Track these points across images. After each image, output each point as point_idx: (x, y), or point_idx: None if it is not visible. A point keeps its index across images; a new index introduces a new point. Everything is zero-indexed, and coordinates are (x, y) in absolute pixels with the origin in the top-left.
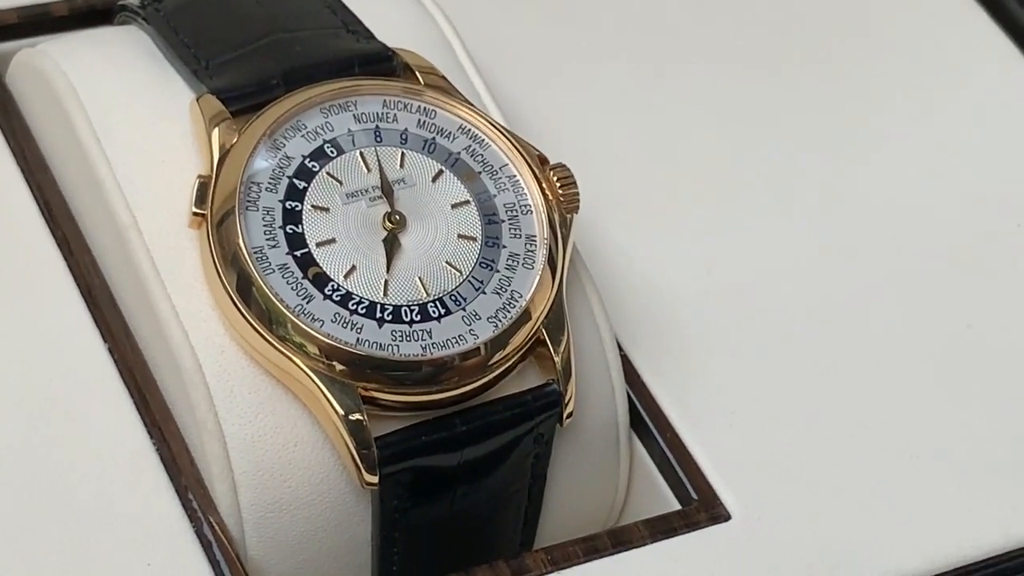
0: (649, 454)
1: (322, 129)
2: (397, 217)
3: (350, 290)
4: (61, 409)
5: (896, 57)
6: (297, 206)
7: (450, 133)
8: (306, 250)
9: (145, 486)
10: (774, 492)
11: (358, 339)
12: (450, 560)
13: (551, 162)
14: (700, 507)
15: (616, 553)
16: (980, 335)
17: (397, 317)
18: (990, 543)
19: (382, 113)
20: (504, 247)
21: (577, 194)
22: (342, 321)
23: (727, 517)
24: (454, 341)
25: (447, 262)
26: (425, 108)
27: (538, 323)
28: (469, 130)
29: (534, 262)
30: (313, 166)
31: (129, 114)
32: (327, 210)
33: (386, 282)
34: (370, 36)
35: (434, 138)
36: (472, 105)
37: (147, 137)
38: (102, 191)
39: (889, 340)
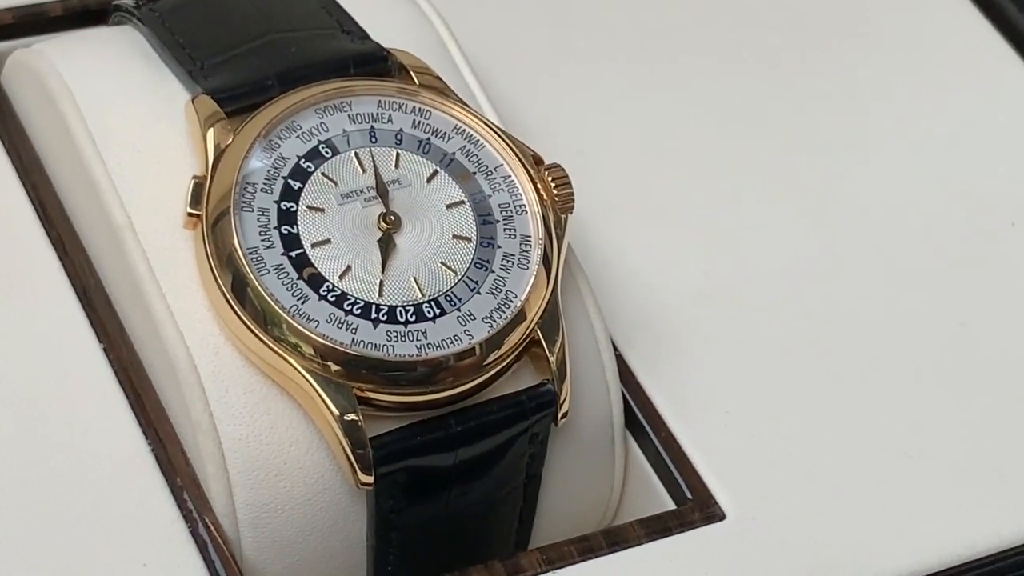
0: (644, 454)
1: (317, 130)
2: (392, 218)
3: (345, 291)
4: (56, 409)
5: (891, 57)
6: (292, 207)
7: (445, 133)
8: (301, 251)
9: (140, 486)
10: (769, 492)
11: (353, 339)
12: (445, 560)
13: (546, 162)
14: (695, 507)
15: (611, 553)
16: (974, 334)
17: (392, 317)
18: (983, 543)
19: (377, 114)
20: (499, 247)
21: (572, 194)
22: (337, 322)
23: (722, 517)
24: (449, 341)
25: (442, 262)
26: (420, 108)
27: (533, 323)
28: (464, 130)
29: (529, 262)
30: (308, 167)
31: (124, 114)
32: (322, 211)
33: (381, 283)
34: (365, 36)
35: (429, 138)
36: (467, 105)
37: (142, 137)
38: (97, 191)
39: (883, 339)
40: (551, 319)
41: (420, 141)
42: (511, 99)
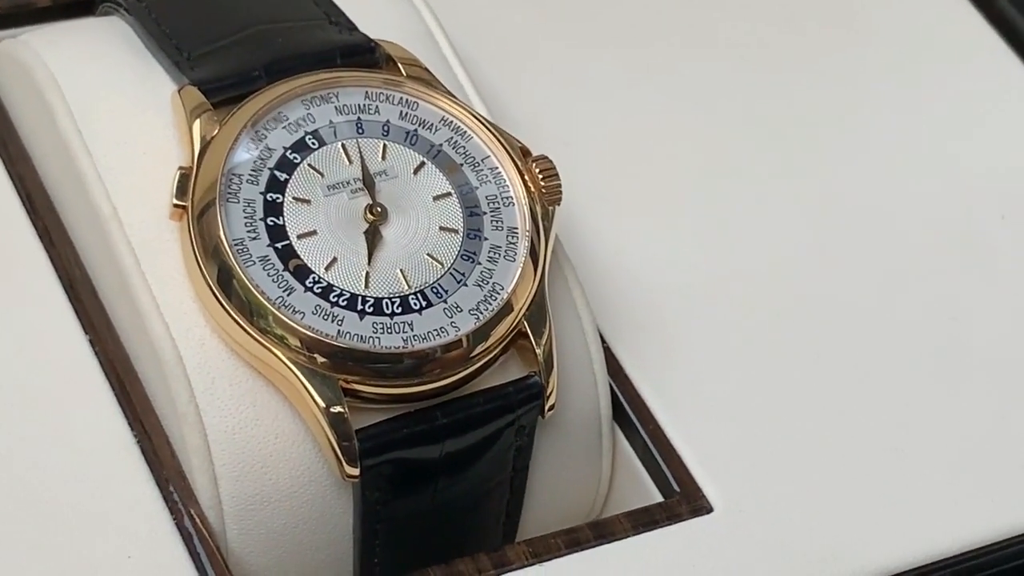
0: (631, 446)
1: (304, 121)
2: (379, 209)
3: (331, 282)
4: (41, 401)
5: (885, 51)
6: (278, 198)
7: (432, 125)
8: (287, 242)
9: (126, 478)
10: (756, 485)
11: (339, 331)
12: (432, 553)
13: (533, 154)
14: (682, 499)
15: (598, 545)
16: (965, 328)
17: (378, 309)
18: (973, 536)
19: (364, 105)
20: (486, 239)
21: (559, 186)
22: (323, 313)
23: (709, 509)
24: (436, 333)
25: (428, 254)
26: (407, 100)
27: (520, 315)
28: (451, 122)
29: (516, 254)
30: (295, 158)
31: (111, 105)
32: (308, 202)
33: (367, 274)
34: (352, 27)
35: (416, 130)
36: (454, 97)
37: (128, 128)
38: (83, 182)
39: (873, 333)
40: (538, 311)
41: (407, 132)
42: (499, 90)
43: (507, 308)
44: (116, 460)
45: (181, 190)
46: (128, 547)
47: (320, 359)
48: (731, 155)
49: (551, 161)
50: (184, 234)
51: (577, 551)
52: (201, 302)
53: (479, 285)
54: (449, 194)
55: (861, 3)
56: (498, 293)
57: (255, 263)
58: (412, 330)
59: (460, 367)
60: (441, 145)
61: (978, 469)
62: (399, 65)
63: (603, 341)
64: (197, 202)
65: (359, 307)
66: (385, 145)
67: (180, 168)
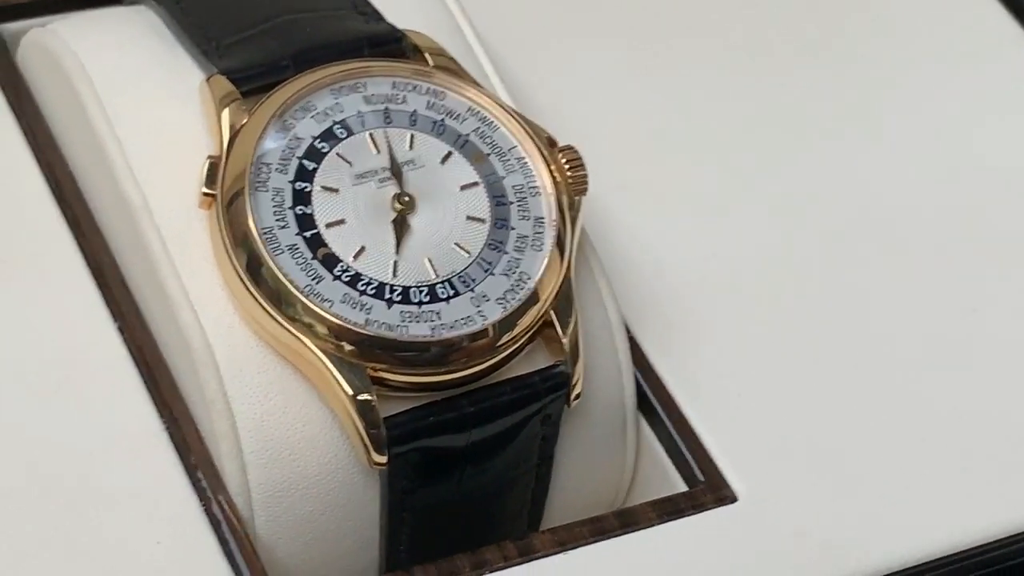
0: (656, 436)
1: (332, 110)
2: (406, 198)
3: (359, 271)
4: (71, 389)
5: (899, 41)
6: (307, 187)
7: (459, 115)
8: (315, 231)
9: (155, 465)
10: (780, 474)
11: (367, 320)
12: (457, 540)
13: (560, 144)
14: (707, 489)
15: (623, 534)
16: (985, 320)
17: (406, 298)
18: (994, 528)
19: (391, 95)
20: (513, 229)
21: (586, 176)
22: (351, 302)
23: (733, 499)
24: (462, 322)
25: (456, 243)
26: (434, 90)
27: (546, 305)
28: (478, 112)
29: (543, 244)
30: (323, 147)
31: (139, 94)
32: (336, 191)
33: (395, 263)
34: (379, 17)
35: (443, 119)
36: (481, 87)
37: (157, 117)
38: (112, 171)
39: (895, 324)
40: (564, 301)
41: (434, 122)
42: (525, 80)
43: (534, 297)
44: (145, 447)
45: (210, 179)
46: (157, 533)
47: (348, 347)
48: (755, 146)
49: (577, 151)
50: (213, 223)
51: (602, 540)
52: (230, 290)
53: (506, 274)
54: (476, 183)
55: None
56: (525, 282)
57: (284, 251)
58: (439, 319)
59: (487, 356)
60: (468, 135)
61: (1002, 461)
62: (426, 55)
63: (628, 331)
64: (226, 191)
65: (387, 296)
66: (413, 135)
67: (209, 157)
